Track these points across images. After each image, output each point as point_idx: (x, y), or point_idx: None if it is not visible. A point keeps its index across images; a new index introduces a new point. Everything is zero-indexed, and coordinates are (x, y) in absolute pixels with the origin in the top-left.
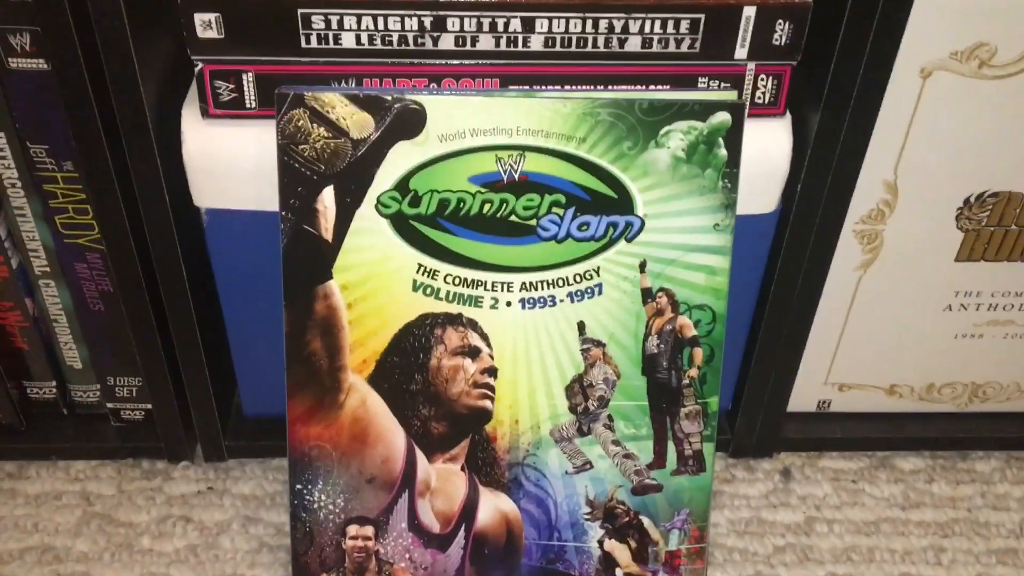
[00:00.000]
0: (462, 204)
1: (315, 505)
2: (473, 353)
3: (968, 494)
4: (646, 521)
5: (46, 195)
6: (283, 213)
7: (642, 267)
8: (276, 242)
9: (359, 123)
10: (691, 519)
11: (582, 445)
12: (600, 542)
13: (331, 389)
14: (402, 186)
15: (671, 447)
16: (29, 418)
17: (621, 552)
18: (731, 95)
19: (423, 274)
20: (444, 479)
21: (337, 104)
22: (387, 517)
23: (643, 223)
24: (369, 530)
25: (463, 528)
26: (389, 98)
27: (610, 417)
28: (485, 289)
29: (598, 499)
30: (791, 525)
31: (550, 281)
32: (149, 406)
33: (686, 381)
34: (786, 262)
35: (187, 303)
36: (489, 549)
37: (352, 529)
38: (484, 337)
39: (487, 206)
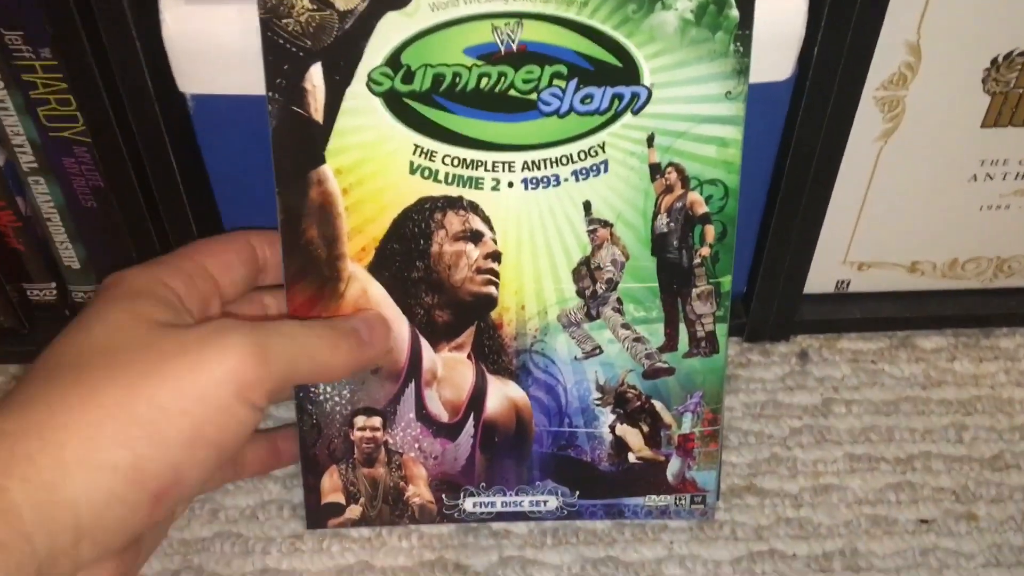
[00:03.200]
0: (458, 79)
1: (320, 397)
2: (476, 238)
3: (991, 371)
4: (658, 405)
5: (26, 86)
6: (270, 94)
7: (650, 141)
8: (267, 127)
9: None
10: (704, 401)
11: (591, 330)
12: (611, 427)
13: (331, 279)
14: (393, 61)
15: (683, 329)
16: (31, 321)
17: (633, 436)
18: None
19: (420, 156)
20: (451, 368)
21: None
22: (394, 407)
23: (650, 93)
24: (377, 421)
25: (472, 416)
26: None
27: (619, 300)
28: (485, 170)
29: (609, 384)
30: (808, 407)
31: (553, 159)
32: None
33: (697, 260)
34: (802, 133)
35: (179, 195)
36: (499, 437)
37: (359, 420)
38: (486, 220)
39: (484, 80)
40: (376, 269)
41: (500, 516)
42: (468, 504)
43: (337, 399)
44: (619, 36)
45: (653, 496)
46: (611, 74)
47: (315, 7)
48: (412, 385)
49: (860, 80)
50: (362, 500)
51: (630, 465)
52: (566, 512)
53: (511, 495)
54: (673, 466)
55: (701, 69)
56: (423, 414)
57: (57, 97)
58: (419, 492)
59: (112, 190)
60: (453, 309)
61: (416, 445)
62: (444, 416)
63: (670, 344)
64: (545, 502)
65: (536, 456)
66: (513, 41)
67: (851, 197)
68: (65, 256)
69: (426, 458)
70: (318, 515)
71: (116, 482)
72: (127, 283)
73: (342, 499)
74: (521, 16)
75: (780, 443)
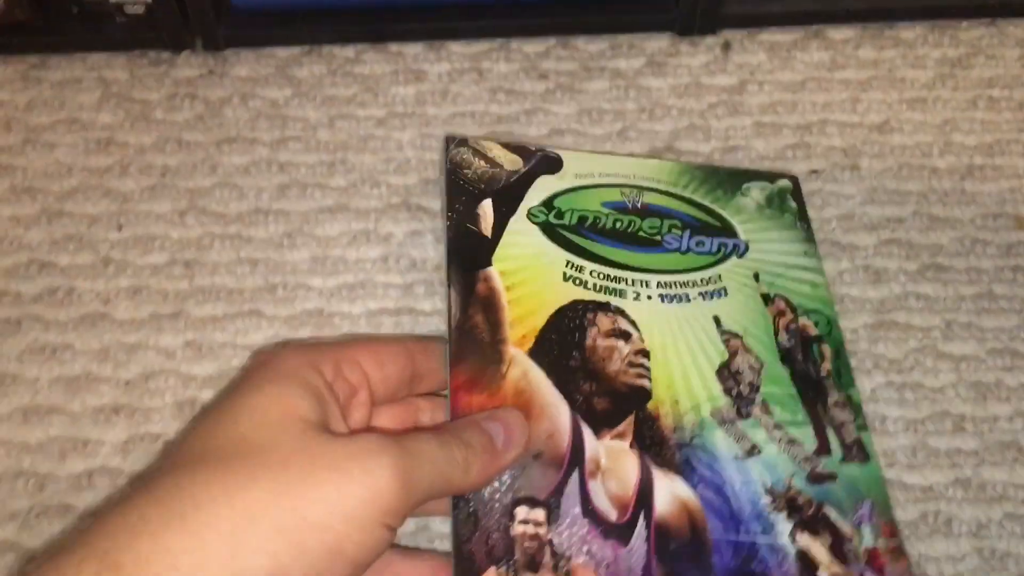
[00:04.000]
0: (598, 220)
1: None
2: (625, 336)
3: (890, 57)
4: (832, 513)
5: None
6: (449, 214)
7: (756, 277)
8: None
9: (511, 160)
10: (876, 512)
11: (745, 429)
12: (792, 537)
13: (493, 360)
14: (548, 203)
15: (831, 434)
16: (44, 16)
17: (818, 550)
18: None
19: (571, 268)
20: (614, 458)
21: (493, 147)
22: (558, 500)
23: (747, 246)
24: (540, 514)
25: (642, 515)
26: (533, 148)
27: (765, 402)
28: (627, 284)
29: (776, 487)
30: (726, 87)
31: (682, 282)
32: None
33: (823, 372)
34: None
35: None
36: (675, 543)
37: (521, 512)
38: (632, 323)
39: (618, 223)
40: (536, 355)
41: None
42: None
43: (497, 484)
44: (715, 207)
45: None
46: (714, 230)
47: (488, 166)
48: (576, 474)
49: None
50: None
51: None
52: None
53: None
54: None
55: (780, 234)
56: (589, 509)
57: None
58: None
59: None
60: (611, 397)
61: (584, 547)
62: (612, 514)
63: (823, 447)
64: None
65: (719, 570)
66: (638, 202)
67: None
68: None
69: (597, 565)
70: None
71: None
72: (278, 364)
73: None
74: (641, 188)
75: (699, 115)
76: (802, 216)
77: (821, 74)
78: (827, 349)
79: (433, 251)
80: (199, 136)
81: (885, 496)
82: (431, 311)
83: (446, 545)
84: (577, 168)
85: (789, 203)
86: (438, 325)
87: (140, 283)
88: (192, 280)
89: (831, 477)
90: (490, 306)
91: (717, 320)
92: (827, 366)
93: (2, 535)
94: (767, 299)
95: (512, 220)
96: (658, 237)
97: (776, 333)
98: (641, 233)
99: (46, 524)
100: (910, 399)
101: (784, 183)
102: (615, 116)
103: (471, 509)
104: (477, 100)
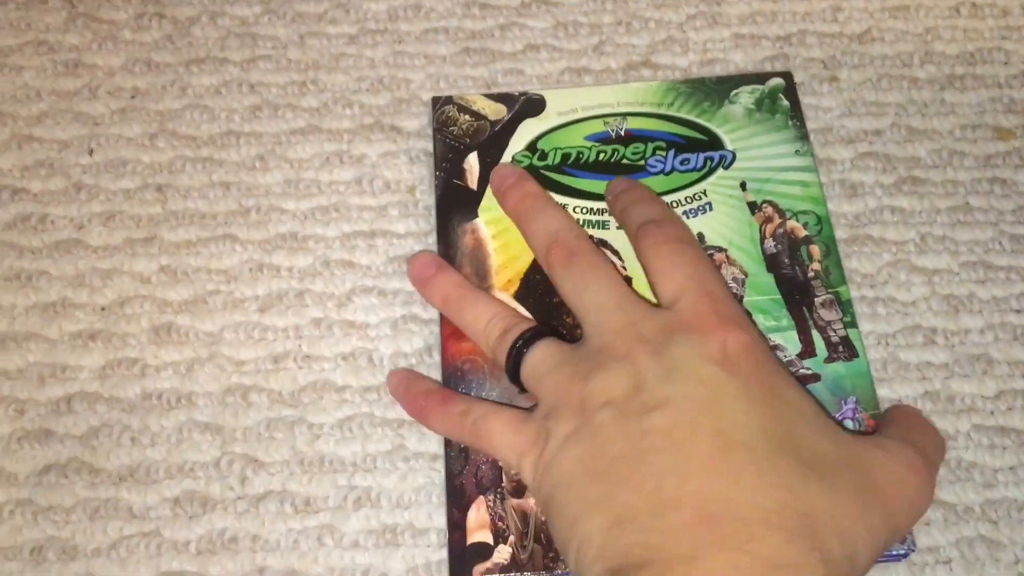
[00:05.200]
0: (581, 155)
1: None
2: None
3: None
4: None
5: None
6: (437, 173)
7: (743, 186)
8: None
9: (495, 110)
10: (860, 407)
11: None
12: None
13: None
14: (532, 147)
15: (816, 335)
16: None
17: None
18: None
19: None
20: None
21: (477, 100)
22: None
23: (734, 155)
24: None
25: None
26: (517, 93)
27: (748, 312)
28: (609, 214)
29: None
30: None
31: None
32: None
33: (811, 274)
34: None
35: None
36: None
37: None
38: (616, 252)
39: (601, 155)
40: (522, 296)
41: None
42: None
43: None
44: (701, 121)
45: None
46: (701, 144)
47: (473, 119)
48: None
49: None
50: (511, 539)
51: None
52: None
53: None
54: None
55: (770, 137)
56: None
57: None
58: None
59: None
60: None
61: None
62: None
63: (808, 350)
64: None
65: None
66: (621, 130)
67: None
68: None
69: None
70: (462, 561)
71: None
72: None
73: (489, 538)
74: (625, 115)
75: (676, 27)
76: (795, 113)
77: None
78: (816, 249)
79: (407, 172)
80: (168, 57)
81: (871, 391)
82: (404, 233)
83: (421, 464)
84: (560, 106)
85: (781, 103)
86: (412, 247)
87: (113, 208)
88: (165, 204)
89: (814, 378)
90: (477, 257)
91: (701, 237)
92: (815, 266)
93: None
94: (754, 207)
95: None
96: (641, 162)
97: (762, 241)
98: (624, 161)
99: (27, 449)
100: (882, 313)
101: (776, 82)
102: (591, 30)
103: (461, 447)
104: (450, 15)
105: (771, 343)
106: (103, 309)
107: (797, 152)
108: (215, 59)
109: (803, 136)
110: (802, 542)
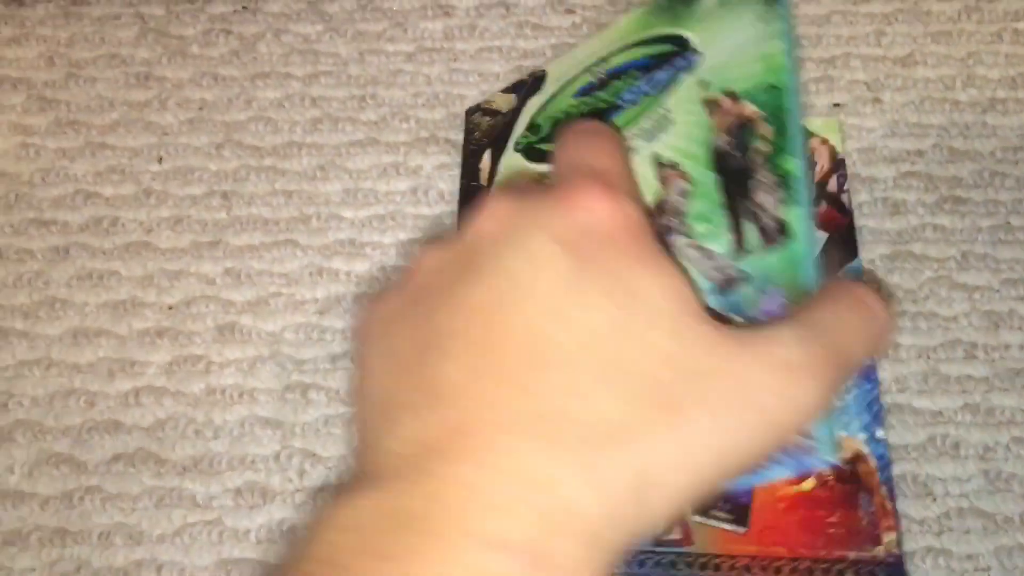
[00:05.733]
0: (568, 117)
1: None
2: None
3: None
4: (736, 320)
5: None
6: (462, 181)
7: (706, 85)
8: None
9: (507, 101)
10: (787, 299)
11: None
12: None
13: None
14: (531, 126)
15: (747, 225)
16: None
17: None
18: None
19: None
20: None
21: (496, 98)
22: None
23: (700, 54)
24: None
25: None
26: (527, 77)
27: (687, 223)
28: None
29: None
30: None
31: (630, 136)
32: None
33: (753, 155)
34: None
35: None
36: None
37: None
38: None
39: (585, 107)
40: None
41: None
42: None
43: None
44: (671, 30)
45: None
46: (668, 56)
47: (491, 118)
48: None
49: None
50: None
51: None
52: None
53: None
54: None
55: (743, 20)
56: None
57: None
58: None
59: None
60: None
61: None
62: None
63: (738, 245)
64: None
65: None
66: (603, 74)
67: None
68: None
69: None
70: None
71: None
72: None
73: None
74: (607, 57)
75: None
76: None
77: (846, 7)
78: (767, 126)
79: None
80: (234, 71)
81: (802, 279)
82: None
83: None
84: (557, 74)
85: None
86: None
87: (180, 213)
88: (230, 211)
89: (742, 279)
90: None
91: (657, 158)
92: (761, 146)
93: (57, 448)
94: (712, 105)
95: (503, 159)
96: (616, 100)
97: (715, 140)
98: (601, 105)
99: (97, 439)
100: (923, 328)
101: None
102: None
103: None
104: (504, 35)
105: (705, 253)
106: (170, 308)
107: (771, 35)
108: (279, 74)
109: (784, 15)
110: (568, 456)
